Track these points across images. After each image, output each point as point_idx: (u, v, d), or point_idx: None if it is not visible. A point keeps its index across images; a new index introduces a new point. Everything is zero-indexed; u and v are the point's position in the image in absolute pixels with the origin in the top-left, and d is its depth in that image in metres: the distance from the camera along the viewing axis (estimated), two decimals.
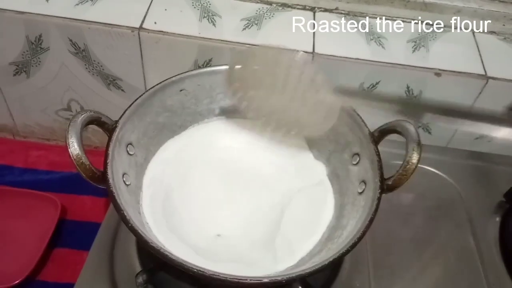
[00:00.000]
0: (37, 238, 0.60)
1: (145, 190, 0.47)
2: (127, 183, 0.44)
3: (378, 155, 0.44)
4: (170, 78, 0.50)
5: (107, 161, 0.41)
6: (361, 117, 0.47)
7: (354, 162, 0.48)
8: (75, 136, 0.39)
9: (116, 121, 0.44)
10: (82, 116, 0.41)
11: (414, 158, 0.42)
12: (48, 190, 0.65)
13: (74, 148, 0.39)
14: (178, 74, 0.50)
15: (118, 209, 0.38)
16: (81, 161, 0.39)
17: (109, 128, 0.44)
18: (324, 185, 0.51)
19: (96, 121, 0.43)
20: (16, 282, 0.55)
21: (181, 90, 0.51)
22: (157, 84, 0.49)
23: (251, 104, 0.48)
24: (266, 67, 0.46)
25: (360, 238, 0.39)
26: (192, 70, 0.51)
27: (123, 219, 0.37)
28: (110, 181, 0.39)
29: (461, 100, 0.61)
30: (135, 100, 0.47)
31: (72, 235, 0.63)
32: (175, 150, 0.52)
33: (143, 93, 0.48)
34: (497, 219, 0.58)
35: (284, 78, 0.45)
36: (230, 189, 0.50)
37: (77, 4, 0.59)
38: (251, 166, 0.52)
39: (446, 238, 0.56)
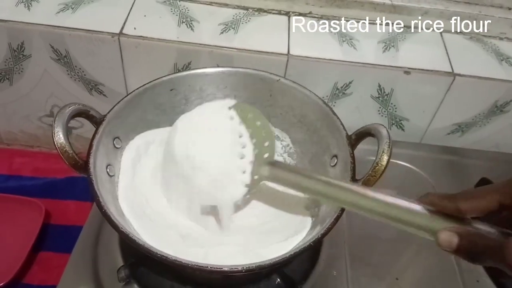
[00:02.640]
0: (21, 242, 0.61)
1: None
2: (110, 174, 0.46)
3: (353, 157, 0.46)
4: (161, 77, 0.51)
5: (90, 151, 0.43)
6: (340, 120, 0.48)
7: (332, 164, 0.49)
8: (61, 125, 0.41)
9: (104, 115, 0.46)
10: (70, 107, 0.43)
11: (384, 159, 0.43)
12: (32, 196, 0.66)
13: (59, 137, 0.40)
14: (168, 74, 0.51)
15: (95, 195, 0.39)
16: (64, 149, 0.41)
17: (97, 121, 0.46)
18: None
19: (85, 114, 0.45)
20: (1, 284, 0.56)
21: (171, 90, 0.52)
22: (148, 83, 0.50)
23: None
24: None
25: (324, 234, 0.39)
26: (182, 71, 0.53)
27: (98, 205, 0.39)
28: (91, 169, 0.41)
29: (430, 96, 0.64)
30: (125, 96, 0.49)
31: (56, 239, 0.64)
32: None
33: (134, 90, 0.49)
34: None
35: None
36: None
37: (58, 12, 0.61)
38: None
39: None
